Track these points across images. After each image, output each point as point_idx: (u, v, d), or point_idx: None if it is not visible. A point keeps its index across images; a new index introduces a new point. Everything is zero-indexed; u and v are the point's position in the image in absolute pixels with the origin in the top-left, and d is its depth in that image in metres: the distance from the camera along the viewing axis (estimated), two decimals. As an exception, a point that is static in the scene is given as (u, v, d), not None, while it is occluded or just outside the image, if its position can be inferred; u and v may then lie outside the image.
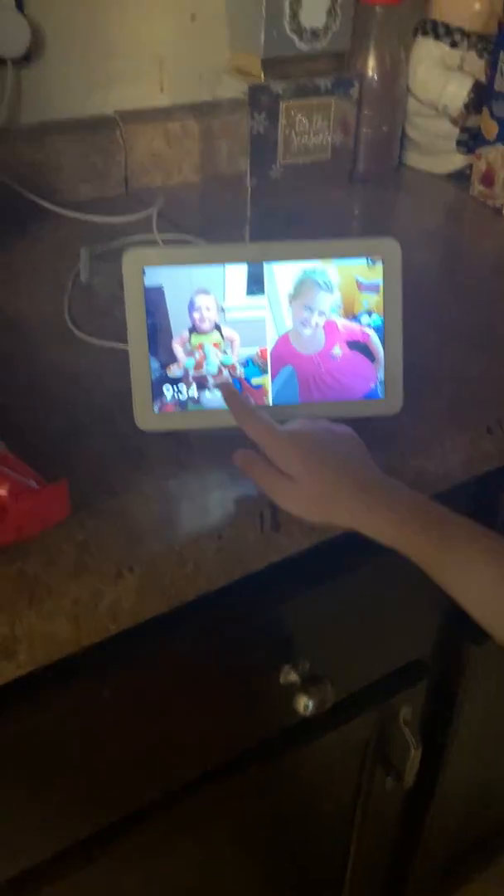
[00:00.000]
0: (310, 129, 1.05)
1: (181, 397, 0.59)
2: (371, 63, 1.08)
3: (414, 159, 1.18)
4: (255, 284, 0.59)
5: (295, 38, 0.99)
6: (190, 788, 0.67)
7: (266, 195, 1.04)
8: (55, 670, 0.49)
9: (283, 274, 0.59)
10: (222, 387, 0.57)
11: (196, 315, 0.59)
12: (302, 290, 0.59)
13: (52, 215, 0.94)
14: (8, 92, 0.92)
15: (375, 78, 1.08)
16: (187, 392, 0.59)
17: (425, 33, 1.10)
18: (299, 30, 0.99)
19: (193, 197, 1.06)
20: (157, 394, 0.59)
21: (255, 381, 0.60)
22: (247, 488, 0.56)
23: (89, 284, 0.83)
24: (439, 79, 1.09)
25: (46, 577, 0.48)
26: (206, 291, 0.58)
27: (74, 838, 0.62)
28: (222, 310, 0.59)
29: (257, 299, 0.59)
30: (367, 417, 0.61)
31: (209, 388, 0.60)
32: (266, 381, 0.60)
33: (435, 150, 1.15)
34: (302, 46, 1.00)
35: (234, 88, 1.03)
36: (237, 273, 0.58)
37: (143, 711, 0.60)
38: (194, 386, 0.59)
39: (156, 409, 0.59)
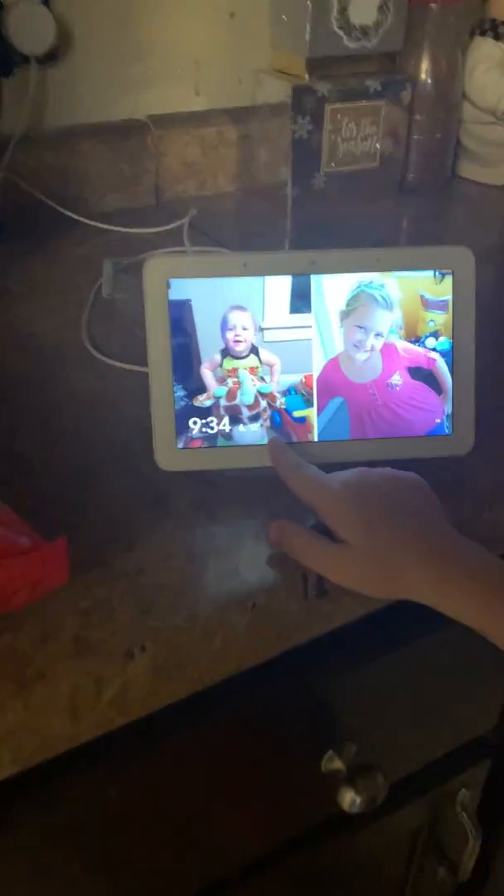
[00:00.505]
0: (357, 135, 0.97)
1: (210, 431, 0.50)
2: (424, 65, 1.00)
3: (468, 169, 1.09)
4: (301, 300, 0.50)
5: (343, 35, 0.91)
6: (226, 884, 0.57)
7: (308, 206, 0.96)
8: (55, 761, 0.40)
9: (333, 288, 0.50)
10: (271, 444, 0.49)
11: (230, 335, 0.49)
12: (356, 307, 0.50)
13: (76, 226, 0.87)
14: (31, 93, 0.85)
15: (429, 81, 1.00)
16: (217, 426, 0.50)
17: (483, 33, 1.01)
18: (348, 27, 0.91)
19: (229, 208, 0.99)
20: (182, 427, 0.50)
21: (297, 413, 0.51)
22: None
23: (112, 300, 0.75)
24: (498, 83, 1.00)
25: (39, 656, 0.39)
26: (241, 308, 0.49)
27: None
28: (261, 329, 0.50)
29: (302, 317, 0.50)
30: (432, 458, 0.51)
31: (243, 422, 0.50)
32: (311, 413, 0.51)
33: (491, 160, 1.06)
34: (350, 45, 0.92)
35: (275, 91, 0.95)
36: (279, 286, 0.49)
37: (164, 804, 0.50)
38: (226, 419, 0.50)
39: (180, 445, 0.50)
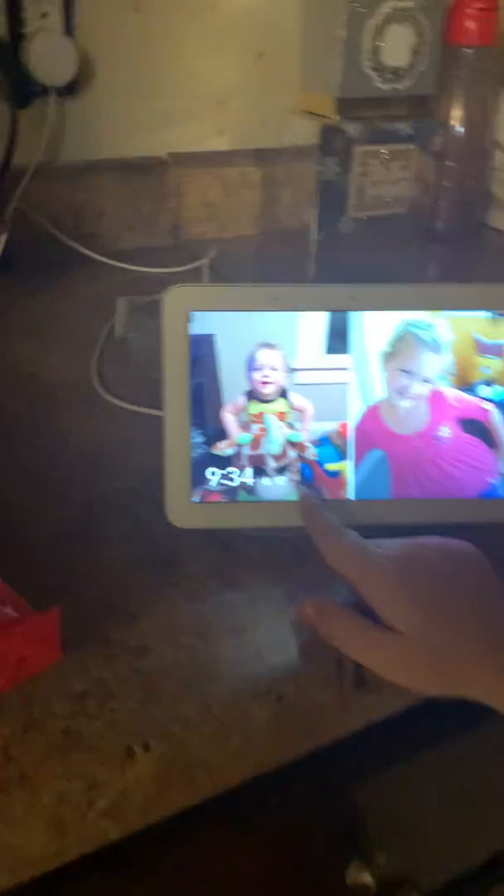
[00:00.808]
0: (386, 179, 0.92)
1: (230, 484, 0.44)
2: (457, 110, 0.97)
3: (499, 219, 1.04)
4: (338, 339, 0.44)
5: (375, 76, 0.88)
6: None
7: (333, 251, 0.92)
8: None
9: (375, 326, 0.44)
10: (303, 500, 0.42)
11: (257, 376, 0.44)
12: (400, 349, 0.44)
13: (90, 263, 0.83)
14: (49, 124, 0.81)
15: (461, 126, 0.96)
16: (239, 477, 0.44)
17: (518, 81, 0.98)
18: (380, 68, 0.87)
19: (250, 251, 0.95)
20: (199, 478, 0.44)
21: (331, 466, 0.44)
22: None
23: (125, 340, 0.69)
24: (533, 130, 0.96)
25: (21, 752, 0.32)
26: (271, 346, 0.44)
27: None
28: (292, 370, 0.44)
29: (339, 359, 0.44)
30: (484, 523, 0.44)
31: (269, 474, 0.44)
32: (346, 467, 0.44)
33: (524, 211, 1.02)
34: (382, 86, 0.88)
35: (302, 132, 0.91)
36: (314, 323, 0.44)
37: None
38: (249, 470, 0.44)
39: (195, 498, 0.44)
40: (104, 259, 0.84)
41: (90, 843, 0.33)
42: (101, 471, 0.51)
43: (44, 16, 0.79)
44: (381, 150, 0.90)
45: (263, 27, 0.91)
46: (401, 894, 0.46)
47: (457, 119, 0.97)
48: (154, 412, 0.54)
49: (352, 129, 0.87)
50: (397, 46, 0.87)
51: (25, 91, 0.80)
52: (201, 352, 0.43)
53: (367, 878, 0.46)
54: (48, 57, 0.79)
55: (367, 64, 0.87)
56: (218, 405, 0.44)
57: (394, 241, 0.95)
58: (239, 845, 0.43)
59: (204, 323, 0.43)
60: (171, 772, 0.34)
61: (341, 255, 0.92)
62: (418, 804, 0.50)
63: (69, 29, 0.80)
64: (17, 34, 0.78)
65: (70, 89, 0.83)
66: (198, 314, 0.43)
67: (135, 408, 0.57)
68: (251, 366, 0.44)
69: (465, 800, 0.53)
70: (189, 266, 0.83)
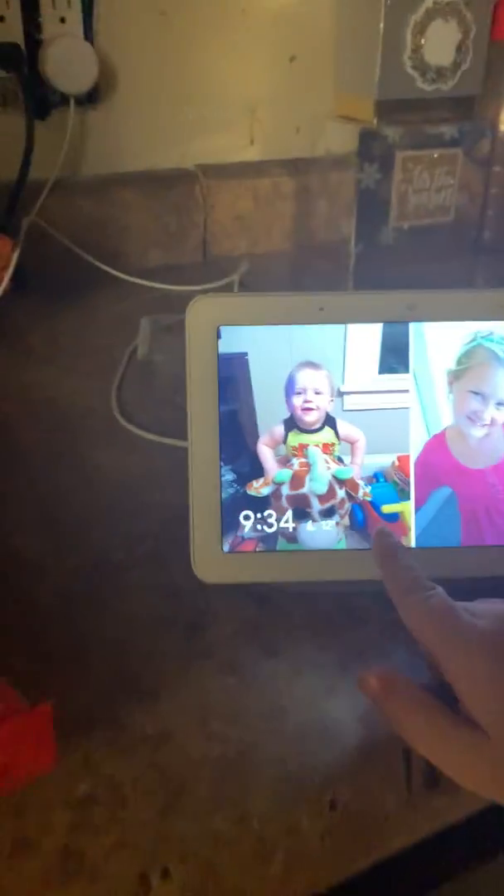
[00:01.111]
0: (430, 186, 0.86)
1: (268, 530, 0.37)
2: (505, 112, 0.89)
3: (552, 228, 0.97)
4: (395, 356, 0.37)
5: (416, 76, 0.82)
6: None
7: (374, 264, 0.85)
8: None
9: (440, 341, 0.37)
10: (379, 539, 0.33)
11: (297, 401, 0.37)
12: (471, 367, 0.37)
13: (113, 282, 0.78)
14: (69, 136, 0.76)
15: (510, 130, 0.89)
16: (278, 522, 0.37)
17: None
18: (422, 67, 0.81)
19: (284, 267, 0.89)
20: (231, 524, 0.37)
21: (388, 508, 0.37)
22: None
23: (149, 362, 0.63)
24: None
25: (7, 881, 0.25)
26: (315, 365, 0.37)
27: None
28: (340, 394, 0.37)
29: (397, 379, 0.37)
30: None
31: (313, 518, 0.37)
32: (407, 508, 0.37)
33: None
34: (424, 87, 0.83)
35: (339, 138, 0.85)
36: (366, 338, 0.37)
37: None
38: (290, 513, 0.37)
39: (226, 547, 0.37)
40: (128, 277, 0.78)
41: None
42: (120, 512, 0.44)
43: (62, 20, 0.74)
44: (424, 156, 0.83)
45: (295, 28, 0.85)
46: None
47: (505, 121, 0.90)
48: (179, 443, 0.48)
49: (392, 133, 0.81)
50: (440, 44, 0.81)
51: (43, 100, 0.75)
52: (232, 373, 0.37)
53: None
54: (67, 64, 0.75)
55: (407, 63, 0.81)
56: (252, 436, 0.37)
57: (438, 252, 0.89)
58: None
59: (235, 339, 0.37)
60: (198, 906, 0.26)
61: (382, 268, 0.86)
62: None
63: (89, 34, 0.75)
64: (33, 40, 0.73)
65: (91, 98, 0.78)
66: (228, 329, 0.36)
67: (158, 438, 0.51)
68: (291, 389, 0.37)
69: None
70: (218, 283, 0.77)
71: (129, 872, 0.26)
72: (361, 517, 0.37)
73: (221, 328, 0.37)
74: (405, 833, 0.31)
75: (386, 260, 0.86)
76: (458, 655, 0.28)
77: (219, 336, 0.36)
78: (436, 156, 0.85)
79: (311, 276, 0.87)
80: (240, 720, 0.31)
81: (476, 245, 0.93)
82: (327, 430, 0.37)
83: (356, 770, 0.29)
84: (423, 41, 0.80)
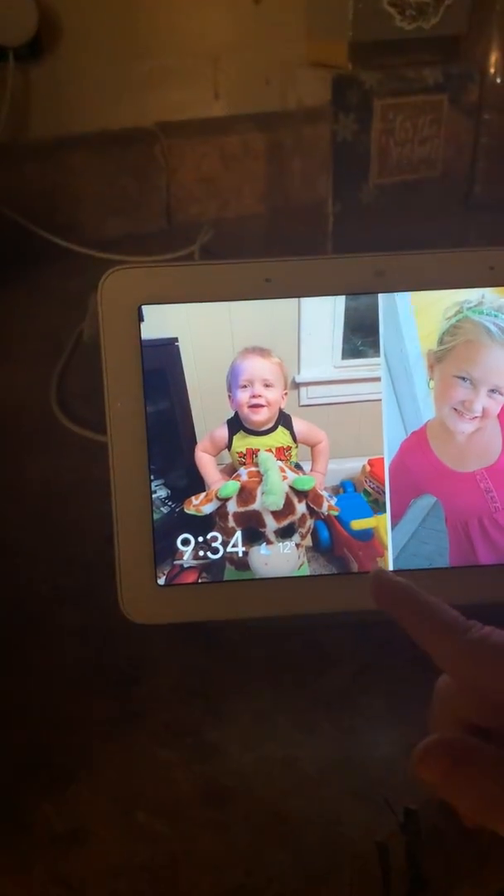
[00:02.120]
0: (413, 137, 0.79)
1: (212, 557, 0.30)
2: (494, 54, 0.83)
3: (549, 180, 0.89)
4: (362, 336, 0.30)
5: (395, 14, 0.74)
6: None
7: (354, 225, 0.78)
8: None
9: (416, 315, 0.29)
10: (377, 576, 0.25)
11: (243, 396, 0.30)
12: (455, 345, 0.30)
13: (67, 255, 0.72)
14: (9, 94, 0.69)
15: (499, 73, 0.82)
16: (224, 546, 0.30)
17: None
18: (401, 3, 0.73)
19: (257, 231, 0.83)
20: (166, 551, 0.30)
21: (358, 524, 0.30)
22: (351, 772, 0.25)
23: (95, 346, 0.56)
24: None
25: None
26: (262, 351, 0.30)
27: None
28: (295, 385, 0.30)
29: (365, 365, 0.30)
30: None
31: (267, 539, 0.30)
32: (382, 523, 0.30)
33: None
34: (404, 26, 0.75)
35: (311, 88, 0.77)
36: (325, 315, 0.30)
37: None
38: (238, 534, 0.30)
39: (161, 580, 0.30)
40: (84, 250, 0.71)
41: None
42: (51, 530, 0.37)
43: (-8, -39, 0.66)
44: (406, 103, 0.76)
45: (259, -35, 0.77)
46: None
47: (494, 64, 0.82)
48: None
49: (369, 78, 0.74)
50: (421, -25, 0.73)
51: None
52: (160, 364, 0.29)
53: None
54: (3, 13, 0.67)
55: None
56: (189, 442, 0.30)
57: (425, 211, 0.82)
58: None
59: (162, 321, 0.29)
60: None
61: (363, 230, 0.79)
62: None
63: (25, -23, 0.67)
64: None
65: (32, 51, 0.70)
66: (152, 309, 0.29)
67: (97, 436, 0.44)
68: (235, 382, 0.30)
69: None
70: (180, 252, 0.70)
71: None
72: (327, 536, 0.30)
73: (144, 308, 0.29)
74: None
75: (367, 221, 0.80)
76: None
77: (141, 318, 0.29)
78: (419, 103, 0.77)
79: (286, 241, 0.81)
80: (175, 810, 0.24)
81: (466, 201, 0.86)
82: (281, 431, 0.30)
83: (319, 877, 0.23)
84: (401, -27, 0.72)
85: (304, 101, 0.80)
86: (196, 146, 0.80)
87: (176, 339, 0.30)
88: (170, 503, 0.30)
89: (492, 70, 0.83)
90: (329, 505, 0.30)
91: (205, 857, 0.23)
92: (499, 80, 0.83)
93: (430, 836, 0.23)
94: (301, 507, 0.30)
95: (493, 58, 0.83)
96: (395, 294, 0.30)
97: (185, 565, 0.30)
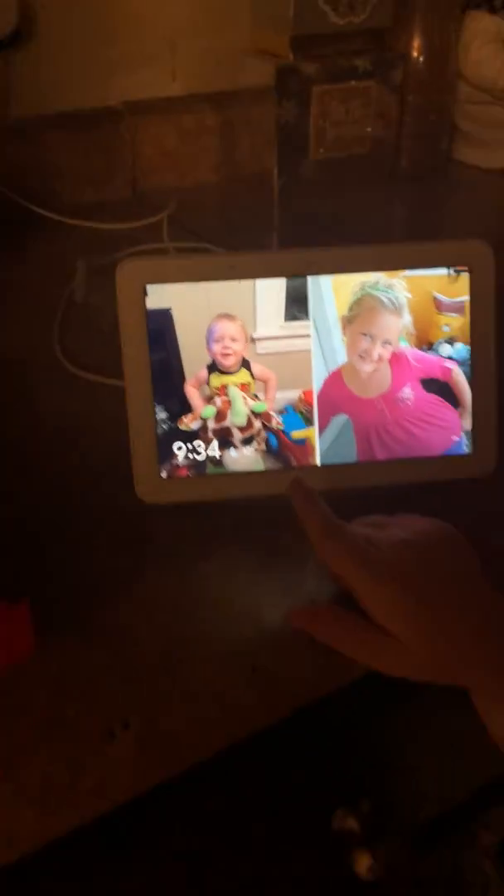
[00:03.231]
0: (346, 119, 0.90)
1: (197, 458, 0.44)
2: (416, 41, 0.94)
3: (465, 153, 1.03)
4: (297, 306, 0.43)
5: (329, 10, 0.85)
6: None
7: (296, 196, 0.90)
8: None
9: (334, 291, 0.43)
10: (293, 484, 0.40)
11: (217, 348, 0.43)
12: (360, 313, 0.44)
13: (46, 223, 0.81)
14: (-8, 79, 0.77)
15: (421, 59, 0.95)
16: (206, 451, 0.44)
17: (478, 6, 0.95)
18: (334, 2, 0.84)
19: (212, 200, 0.93)
20: (166, 454, 0.44)
21: (297, 434, 0.45)
22: (290, 585, 0.40)
23: (86, 304, 0.68)
24: (495, 58, 0.94)
25: (2, 744, 0.33)
26: (230, 316, 0.43)
27: None
28: (253, 340, 0.43)
29: (300, 326, 0.44)
30: (450, 480, 0.45)
31: (235, 445, 0.44)
32: (312, 434, 0.45)
33: (490, 142, 1.01)
34: (337, 21, 0.86)
35: (257, 74, 0.88)
36: (272, 291, 0.43)
37: (162, 878, 0.44)
38: (215, 443, 0.44)
39: (163, 474, 0.44)
40: (61, 218, 0.81)
41: (75, 821, 0.34)
42: (67, 448, 0.51)
43: (-22, -38, 0.75)
44: (340, 88, 0.87)
45: (211, -40, 0.87)
46: (385, 840, 0.48)
47: (417, 51, 0.94)
48: (120, 383, 0.54)
49: (308, 68, 0.85)
50: (351, -24, 0.84)
51: (-36, 45, 0.77)
52: (159, 326, 0.43)
53: (352, 824, 0.48)
54: (-13, 7, 0.76)
55: (320, -3, 0.83)
56: (180, 379, 0.44)
57: (357, 182, 0.94)
58: (224, 805, 0.44)
59: (160, 296, 0.43)
60: (153, 747, 0.35)
61: (305, 199, 0.91)
62: (398, 752, 0.52)
63: (6, -24, 0.76)
64: (-49, -16, 0.74)
65: (12, 40, 0.80)
66: (153, 287, 0.42)
67: (100, 378, 0.57)
68: (211, 338, 0.43)
69: (441, 745, 0.55)
70: (150, 220, 0.81)
71: (97, 726, 0.34)
72: (275, 443, 0.45)
73: (148, 286, 0.42)
74: (315, 688, 0.39)
75: (308, 192, 0.91)
76: (367, 584, 0.36)
77: (145, 293, 0.42)
78: (351, 88, 0.89)
79: (239, 209, 0.91)
80: (180, 611, 0.39)
81: (394, 172, 0.98)
82: (244, 372, 0.44)
83: (274, 639, 0.38)
84: (334, -25, 0.83)
85: (252, 84, 0.91)
86: (157, 123, 0.89)
87: (170, 309, 0.43)
88: (168, 421, 0.44)
89: (414, 54, 0.95)
90: (276, 421, 0.45)
91: (202, 634, 0.38)
92: (420, 67, 0.95)
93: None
94: (258, 424, 0.44)
95: (415, 45, 0.94)
96: (320, 276, 0.43)
97: (179, 464, 0.44)
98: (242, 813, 0.45)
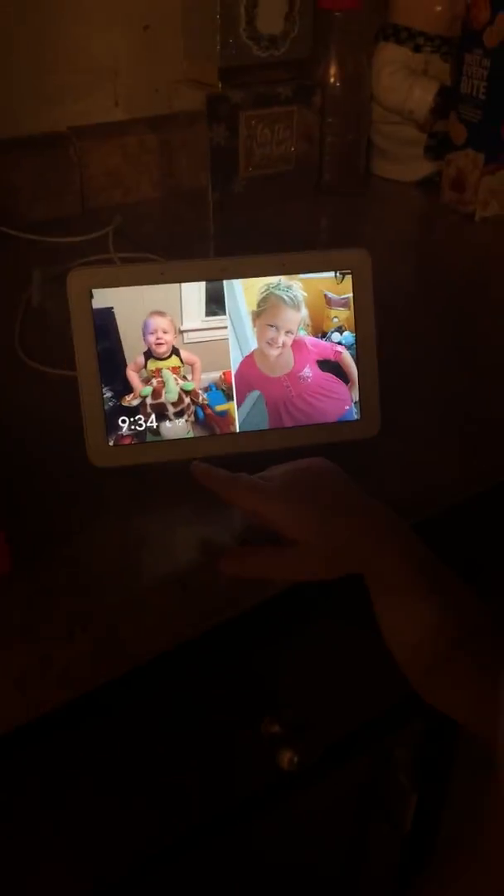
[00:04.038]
0: (272, 140, 1.01)
1: (139, 429, 0.54)
2: (333, 69, 1.05)
3: (381, 168, 1.14)
4: (215, 303, 0.54)
5: (252, 45, 0.95)
6: (173, 851, 0.61)
7: (230, 210, 1.00)
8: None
9: (245, 291, 0.54)
10: (194, 468, 0.51)
11: (152, 339, 0.53)
12: (266, 308, 0.54)
13: (5, 237, 0.89)
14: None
15: (338, 85, 1.05)
16: (145, 423, 0.54)
17: (387, 38, 1.07)
18: (256, 37, 0.95)
19: (154, 213, 1.02)
20: (112, 426, 0.54)
21: (219, 407, 0.55)
22: (215, 526, 0.50)
23: (42, 309, 0.78)
24: (403, 84, 1.05)
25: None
26: (161, 313, 0.53)
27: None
28: (181, 332, 0.54)
29: (218, 319, 0.54)
30: (342, 441, 0.56)
31: (170, 418, 0.54)
32: (231, 407, 0.55)
33: (402, 158, 1.12)
34: (260, 54, 0.96)
35: (191, 100, 0.98)
36: (194, 292, 0.53)
37: (112, 776, 0.54)
38: (153, 416, 0.54)
39: (111, 442, 0.54)
40: (16, 232, 0.90)
41: (46, 705, 0.44)
42: (31, 428, 0.60)
43: None
44: (265, 113, 0.97)
45: (147, 1, 0.97)
46: (305, 739, 0.59)
47: (334, 77, 1.04)
48: (73, 374, 0.63)
49: (235, 96, 0.95)
50: (271, 15, 0.94)
51: None
52: (104, 322, 0.53)
53: (276, 728, 0.59)
54: None
55: (243, 34, 0.94)
56: (122, 365, 0.54)
57: (284, 196, 1.04)
58: (165, 711, 0.54)
59: (104, 298, 0.53)
60: (105, 646, 0.45)
61: (237, 212, 1.01)
62: (322, 665, 0.63)
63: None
64: None
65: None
66: (98, 291, 0.52)
67: (55, 371, 0.67)
68: (146, 330, 0.53)
69: (363, 657, 0.65)
70: (97, 234, 0.91)
71: (61, 630, 0.44)
72: (202, 415, 0.55)
73: (94, 290, 0.52)
74: (233, 605, 0.50)
75: (240, 205, 1.01)
76: (268, 508, 0.46)
77: (91, 296, 0.52)
78: (275, 113, 0.99)
79: (178, 221, 1.01)
80: (126, 546, 0.49)
81: (318, 187, 1.09)
82: (174, 358, 0.54)
83: (201, 563, 0.48)
84: (255, 13, 0.94)
85: (186, 109, 1.01)
86: (102, 145, 0.98)
87: (112, 308, 0.53)
88: (113, 399, 0.54)
89: (332, 80, 1.06)
90: (202, 398, 0.55)
91: (145, 563, 0.48)
92: (337, 92, 1.06)
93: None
94: (187, 400, 0.55)
95: (332, 72, 1.05)
96: (233, 280, 0.54)
97: (124, 434, 0.54)
98: (179, 716, 0.55)
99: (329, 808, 0.74)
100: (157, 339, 0.53)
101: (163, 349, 0.54)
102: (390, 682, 0.70)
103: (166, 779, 0.57)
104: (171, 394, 0.54)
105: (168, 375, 0.54)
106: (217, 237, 0.97)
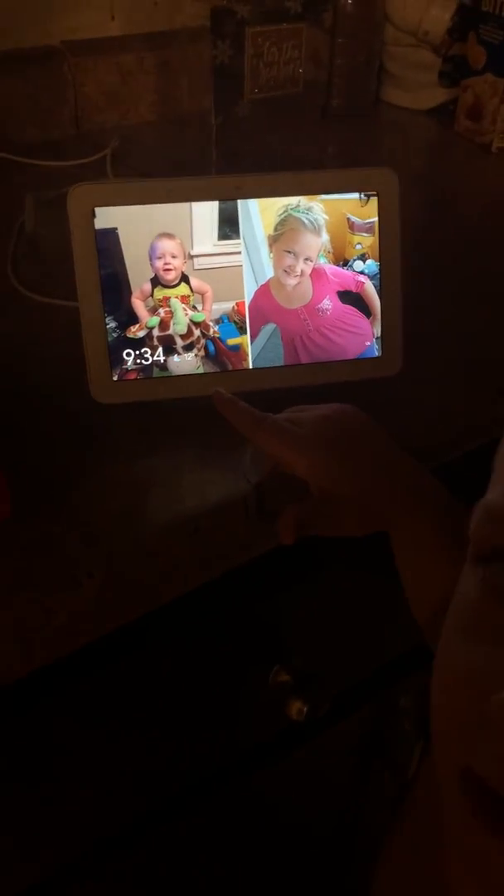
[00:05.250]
0: (279, 60, 0.95)
1: (144, 363, 0.50)
2: (346, -15, 0.98)
3: (392, 94, 1.08)
4: (229, 226, 0.49)
5: (261, -47, 0.88)
6: (182, 801, 0.60)
7: (233, 134, 0.94)
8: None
9: (261, 213, 0.49)
10: (216, 396, 0.47)
11: (159, 264, 0.49)
12: (284, 232, 0.50)
13: (-4, 161, 0.84)
14: None
15: (350, 1, 0.98)
16: (152, 356, 0.50)
17: (403, -49, 0.99)
18: None
19: (152, 138, 0.96)
20: (116, 360, 0.50)
21: (231, 341, 0.51)
22: (227, 469, 0.47)
23: (35, 235, 0.73)
24: (419, 2, 0.99)
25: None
26: (170, 235, 0.49)
27: (65, 860, 0.55)
28: (190, 257, 0.49)
29: (232, 244, 0.50)
30: (363, 380, 0.52)
31: (178, 352, 0.51)
32: (244, 341, 0.51)
33: (415, 84, 1.06)
34: (269, -37, 0.89)
35: (194, 15, 0.91)
36: (207, 213, 0.49)
37: (119, 726, 0.52)
38: (160, 349, 0.50)
39: (115, 377, 0.50)
40: (7, 156, 0.85)
41: (51, 657, 0.41)
42: (28, 361, 0.56)
43: None
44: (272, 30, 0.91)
45: None
46: (314, 689, 0.57)
47: (345, -6, 0.98)
48: (71, 304, 0.59)
49: (242, 10, 0.88)
50: None
51: None
52: (107, 244, 0.48)
53: (284, 677, 0.56)
54: None
55: None
56: (127, 293, 0.49)
57: (290, 120, 0.98)
58: (175, 659, 0.52)
59: (107, 217, 0.48)
60: (112, 594, 0.42)
61: (241, 138, 0.95)
62: (330, 612, 0.60)
63: None
64: None
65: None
66: (101, 210, 0.48)
67: (53, 300, 0.62)
68: (154, 254, 0.49)
69: (370, 606, 0.63)
70: (93, 157, 0.85)
71: (66, 578, 0.41)
72: (213, 349, 0.51)
73: (96, 209, 0.48)
74: (245, 551, 0.47)
75: (244, 130, 0.95)
76: (298, 455, 0.43)
77: (94, 215, 0.48)
78: (283, 30, 0.93)
79: (178, 146, 0.95)
80: (134, 489, 0.46)
81: (325, 111, 1.03)
82: (183, 286, 0.50)
83: (212, 508, 0.45)
84: None
85: (188, 24, 0.94)
86: (97, 63, 0.92)
87: (116, 229, 0.48)
88: (117, 330, 0.50)
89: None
90: (213, 330, 0.51)
91: (153, 506, 0.45)
92: (349, 9, 1.00)
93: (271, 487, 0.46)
94: (197, 332, 0.51)
95: (345, -11, 0.99)
96: (248, 200, 0.49)
97: (129, 368, 0.50)
98: (192, 664, 0.52)
99: (331, 761, 0.73)
100: (165, 264, 0.49)
101: (171, 276, 0.50)
102: (397, 630, 0.68)
103: (172, 729, 0.55)
104: (179, 325, 0.50)
105: (176, 305, 0.50)
106: (219, 163, 0.91)
